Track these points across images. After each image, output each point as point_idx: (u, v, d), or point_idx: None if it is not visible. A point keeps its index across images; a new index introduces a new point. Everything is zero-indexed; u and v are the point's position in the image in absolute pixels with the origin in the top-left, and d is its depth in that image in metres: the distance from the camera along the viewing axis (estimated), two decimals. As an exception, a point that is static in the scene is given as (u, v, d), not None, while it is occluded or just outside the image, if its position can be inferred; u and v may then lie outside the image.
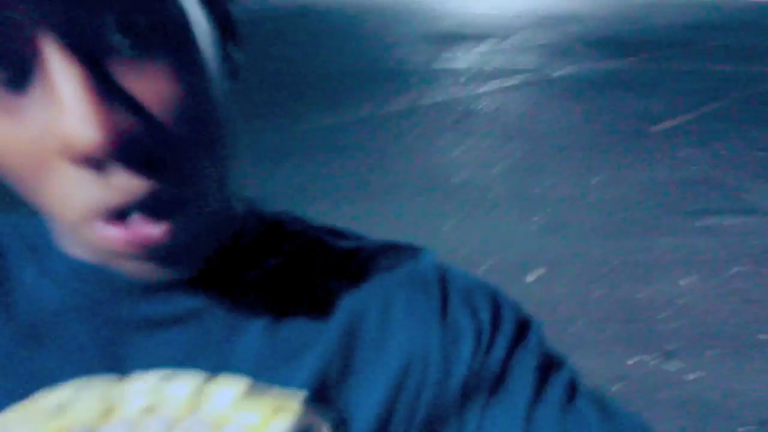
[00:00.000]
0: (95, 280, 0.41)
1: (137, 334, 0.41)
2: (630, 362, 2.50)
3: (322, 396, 0.41)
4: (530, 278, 3.19)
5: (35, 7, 0.28)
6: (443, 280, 0.46)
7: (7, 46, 0.29)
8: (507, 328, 0.45)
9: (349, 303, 0.44)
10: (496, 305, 0.46)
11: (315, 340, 0.42)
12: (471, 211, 4.23)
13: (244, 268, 0.44)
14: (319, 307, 0.43)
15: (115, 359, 0.41)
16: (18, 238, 0.44)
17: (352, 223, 0.50)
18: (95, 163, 0.30)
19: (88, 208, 0.33)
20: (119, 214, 0.33)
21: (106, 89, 0.30)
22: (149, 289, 0.41)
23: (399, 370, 0.43)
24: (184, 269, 0.38)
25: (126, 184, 0.32)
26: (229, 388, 0.41)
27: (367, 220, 3.89)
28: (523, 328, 0.46)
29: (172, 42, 0.32)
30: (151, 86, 0.32)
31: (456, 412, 0.43)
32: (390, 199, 4.53)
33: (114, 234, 0.33)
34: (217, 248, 0.42)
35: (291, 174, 5.05)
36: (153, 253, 0.34)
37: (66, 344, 0.41)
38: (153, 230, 0.33)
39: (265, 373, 0.41)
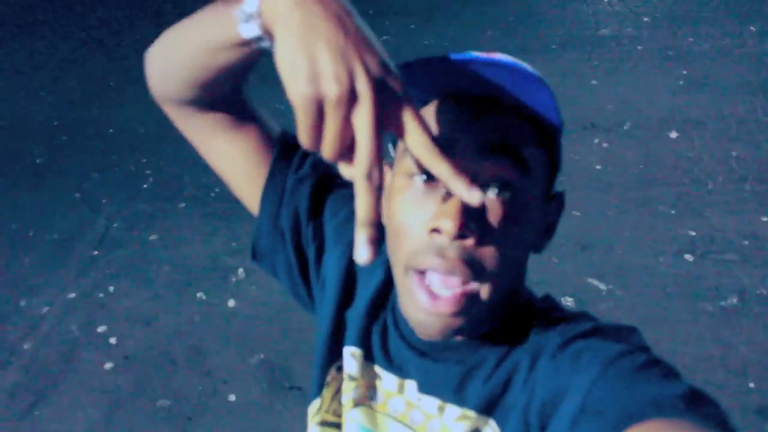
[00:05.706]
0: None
1: (412, 354, 0.61)
2: (764, 219, 2.66)
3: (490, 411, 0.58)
4: (673, 135, 3.32)
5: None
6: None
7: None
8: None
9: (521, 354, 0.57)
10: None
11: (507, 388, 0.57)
12: (618, 64, 4.24)
13: (489, 336, 0.59)
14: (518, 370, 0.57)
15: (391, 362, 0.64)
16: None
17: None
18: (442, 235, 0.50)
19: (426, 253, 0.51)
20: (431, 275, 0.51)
21: (465, 208, 0.49)
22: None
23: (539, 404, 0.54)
24: (456, 337, 0.57)
25: (453, 254, 0.50)
26: (433, 401, 0.60)
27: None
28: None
29: (517, 193, 0.52)
30: (494, 211, 0.51)
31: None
32: (538, 50, 4.57)
33: (418, 289, 0.52)
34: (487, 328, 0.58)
35: (444, 27, 5.19)
36: (441, 319, 0.51)
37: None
38: (445, 295, 0.51)
39: (467, 402, 0.58)
